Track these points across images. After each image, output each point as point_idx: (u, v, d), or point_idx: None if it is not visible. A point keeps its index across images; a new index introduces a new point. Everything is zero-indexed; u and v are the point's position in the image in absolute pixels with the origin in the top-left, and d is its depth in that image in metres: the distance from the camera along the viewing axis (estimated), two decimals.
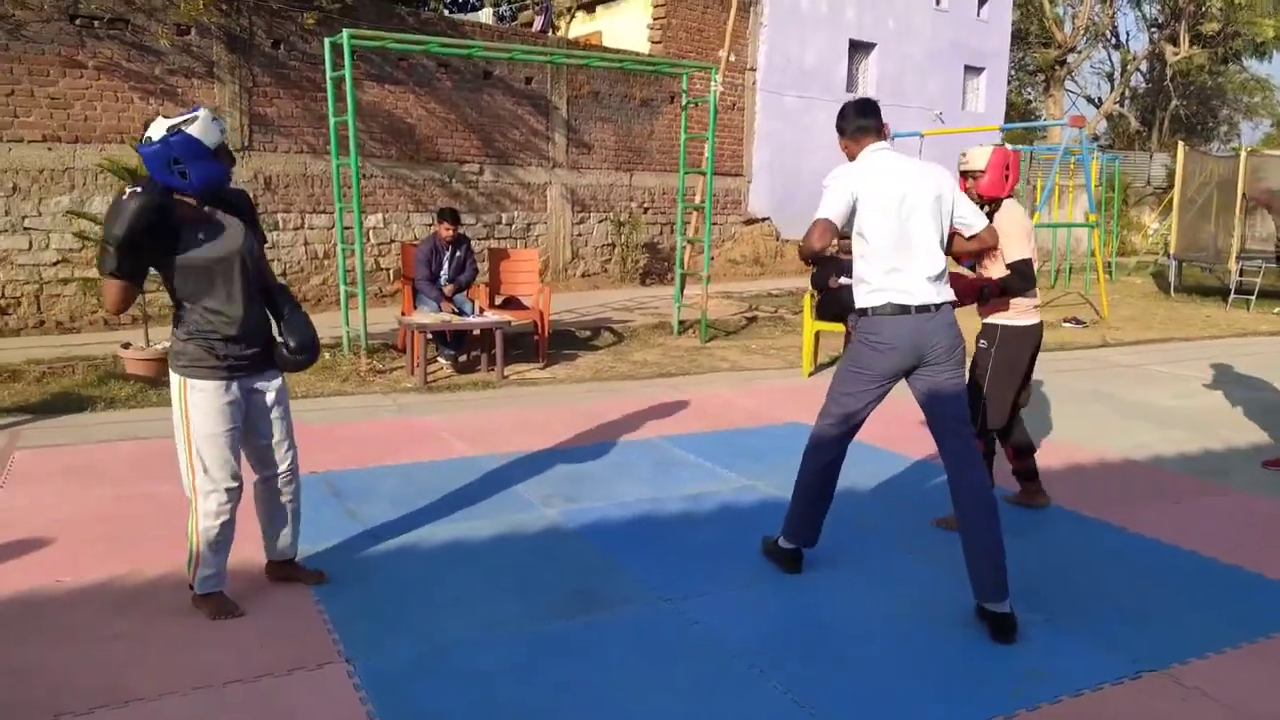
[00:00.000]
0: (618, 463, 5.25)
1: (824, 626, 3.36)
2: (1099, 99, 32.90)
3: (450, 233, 7.79)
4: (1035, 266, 4.19)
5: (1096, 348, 10.02)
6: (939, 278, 3.36)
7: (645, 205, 14.04)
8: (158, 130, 3.05)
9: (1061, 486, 4.96)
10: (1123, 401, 7.20)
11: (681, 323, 9.81)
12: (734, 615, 3.38)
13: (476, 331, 7.83)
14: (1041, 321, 4.28)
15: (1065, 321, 11.44)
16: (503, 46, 10.16)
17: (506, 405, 6.74)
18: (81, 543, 3.89)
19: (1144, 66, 31.74)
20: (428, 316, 7.43)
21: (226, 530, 3.25)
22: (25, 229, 8.75)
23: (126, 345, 7.02)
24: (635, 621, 3.31)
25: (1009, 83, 28.28)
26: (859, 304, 3.43)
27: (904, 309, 3.31)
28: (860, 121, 3.50)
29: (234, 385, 3.22)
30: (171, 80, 9.51)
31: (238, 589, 3.42)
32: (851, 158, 3.50)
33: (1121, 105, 31.64)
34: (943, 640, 3.23)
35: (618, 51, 13.61)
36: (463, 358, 7.95)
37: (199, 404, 3.15)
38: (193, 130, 3.04)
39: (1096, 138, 30.50)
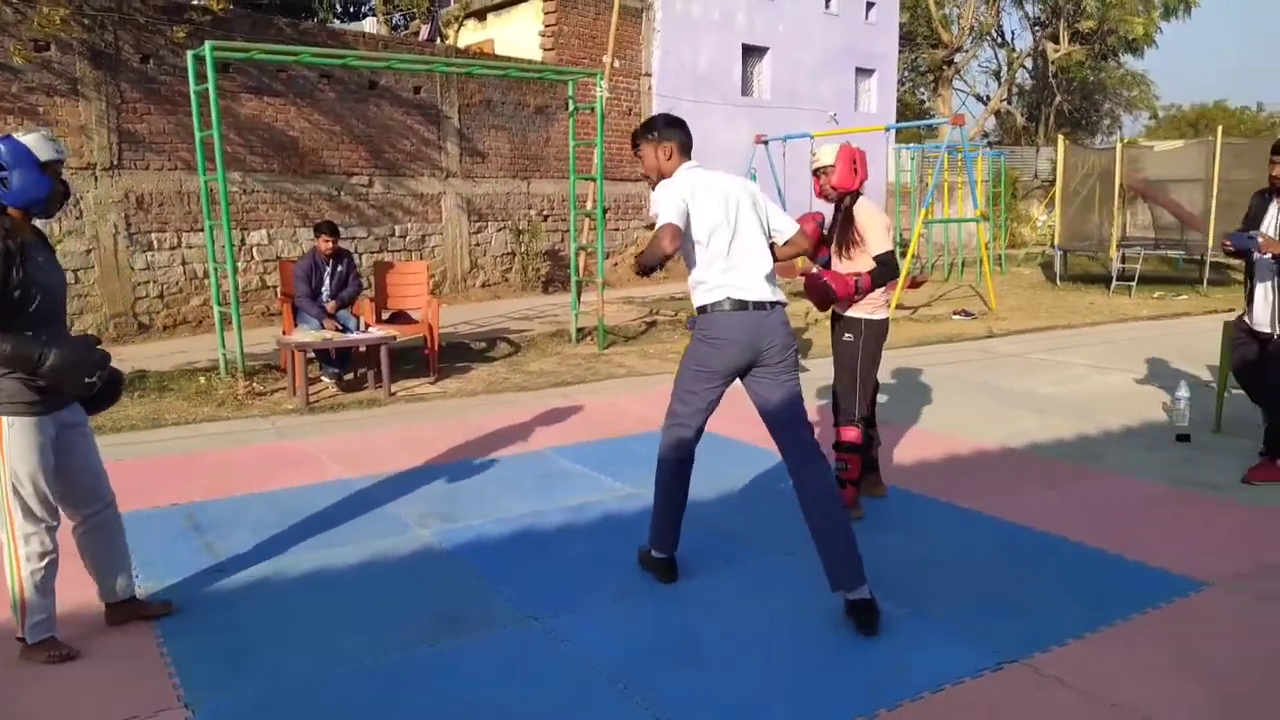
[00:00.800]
0: (501, 477, 5.12)
1: (692, 636, 3.30)
2: (987, 96, 34.01)
3: (330, 246, 7.55)
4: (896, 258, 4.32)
5: (984, 338, 10.27)
6: (770, 277, 3.47)
7: (545, 213, 13.92)
8: None
9: (938, 477, 5.02)
10: (1007, 391, 7.36)
11: (580, 330, 9.72)
12: (602, 631, 3.29)
13: (362, 348, 7.60)
14: (889, 317, 4.47)
15: (955, 314, 11.71)
16: (381, 56, 9.93)
17: (391, 423, 6.54)
18: None
19: (1028, 64, 32.93)
20: (308, 335, 7.18)
21: (52, 570, 3.07)
22: None
23: None
24: (502, 644, 3.19)
25: (901, 83, 29.07)
26: (698, 302, 3.47)
27: (742, 305, 3.38)
28: (679, 136, 3.55)
29: (49, 420, 3.01)
30: (31, 99, 9.03)
31: (73, 633, 3.19)
32: (659, 172, 3.54)
33: (1009, 102, 32.76)
34: (809, 641, 3.20)
35: (505, 59, 13.46)
36: (348, 376, 7.71)
37: (18, 442, 2.95)
38: (24, 138, 2.92)
39: (986, 134, 31.54)
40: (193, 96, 7.50)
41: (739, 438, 5.63)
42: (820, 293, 4.20)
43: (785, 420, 3.43)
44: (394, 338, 7.52)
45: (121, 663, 3.07)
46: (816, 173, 4.40)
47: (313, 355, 7.36)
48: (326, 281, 7.65)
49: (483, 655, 3.11)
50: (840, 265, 4.34)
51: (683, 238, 3.35)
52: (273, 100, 10.80)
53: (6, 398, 2.92)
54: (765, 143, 13.70)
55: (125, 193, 9.67)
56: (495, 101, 13.15)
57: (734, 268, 3.38)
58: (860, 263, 4.26)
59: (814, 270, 4.31)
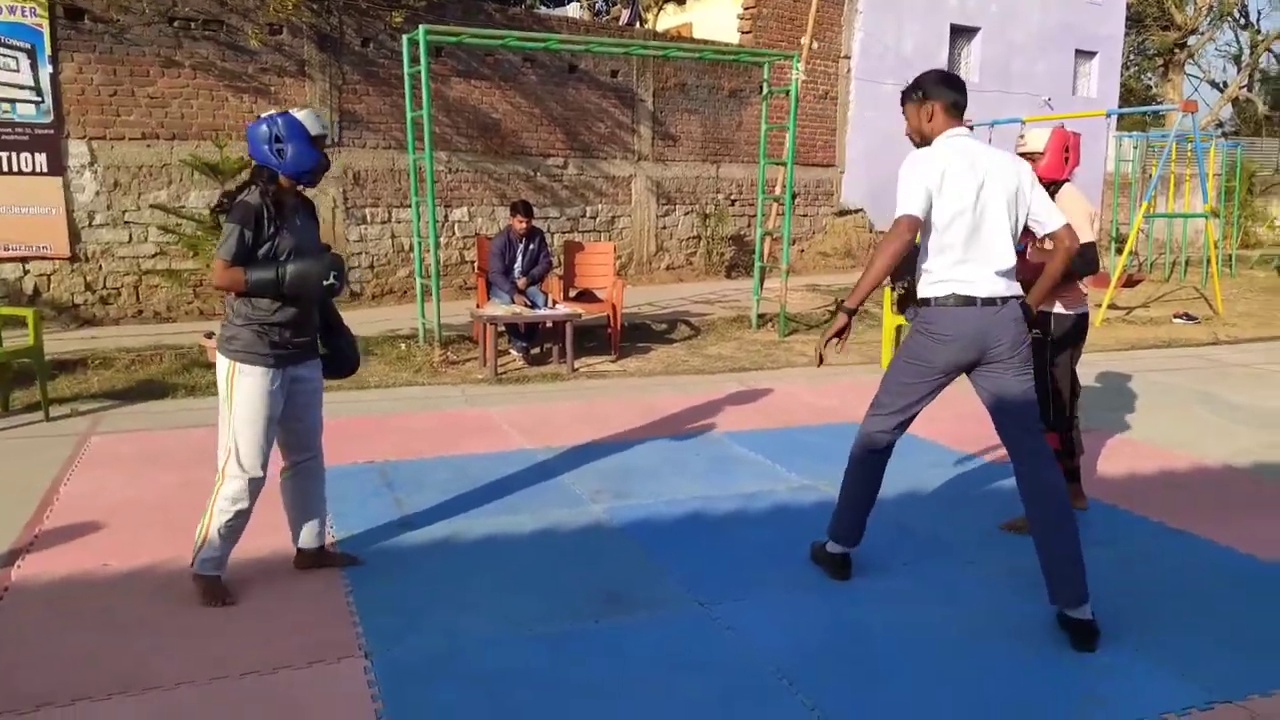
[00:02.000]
0: (674, 458, 5.11)
1: (865, 638, 3.16)
2: (1224, 83, 30.98)
3: (524, 225, 7.78)
4: (1098, 251, 3.96)
5: (1207, 345, 9.37)
6: (1008, 272, 3.17)
7: (732, 197, 13.83)
8: (267, 113, 3.25)
9: (1145, 493, 4.60)
10: (1231, 404, 6.67)
11: (761, 316, 9.60)
12: (770, 622, 3.21)
13: (549, 324, 7.80)
14: (1088, 311, 4.12)
15: (1175, 317, 10.74)
16: (581, 39, 10.10)
17: (572, 398, 6.68)
18: (135, 528, 3.98)
19: (1275, 47, 29.72)
20: (499, 309, 7.44)
21: (241, 519, 3.30)
22: (125, 223, 9.13)
23: (210, 335, 7.23)
24: (665, 626, 3.18)
25: (1125, 68, 26.90)
26: (921, 294, 3.25)
27: (969, 300, 3.13)
28: (946, 95, 3.22)
29: (280, 374, 3.27)
30: (264, 79, 9.79)
31: (268, 574, 3.44)
32: (922, 135, 3.27)
33: (1249, 89, 29.71)
34: (993, 658, 3.00)
35: (702, 42, 13.42)
36: (534, 350, 7.94)
37: (245, 389, 3.22)
38: (298, 114, 3.23)
39: (1220, 124, 28.74)
40: (406, 78, 7.89)
41: (934, 438, 5.39)
42: None
43: (1014, 419, 3.20)
44: (579, 315, 7.67)
45: (310, 608, 3.27)
46: (1022, 158, 4.05)
47: (503, 329, 7.62)
48: (519, 259, 7.90)
49: (647, 635, 3.11)
50: (1036, 257, 4.02)
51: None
52: (479, 83, 11.24)
53: (242, 346, 3.22)
54: (971, 128, 13.00)
55: (344, 169, 10.34)
56: (690, 85, 13.15)
57: (966, 261, 3.12)
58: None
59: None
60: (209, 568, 3.30)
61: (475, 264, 10.68)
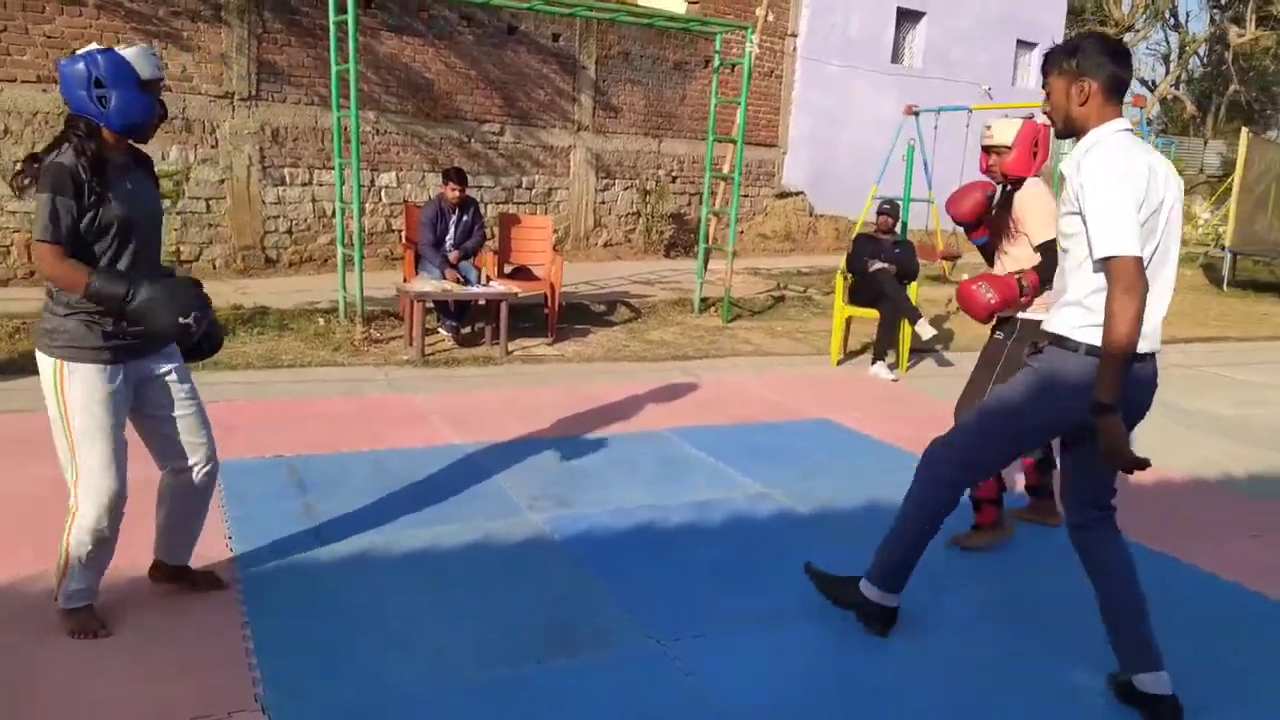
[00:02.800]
0: (620, 459, 4.71)
1: (855, 690, 2.80)
2: (1153, 81, 31.62)
3: (457, 194, 7.24)
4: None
5: None
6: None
7: (673, 174, 13.41)
8: (86, 49, 2.60)
9: (1123, 510, 4.35)
10: (1183, 409, 6.54)
11: (704, 300, 9.22)
12: (736, 667, 2.83)
13: (481, 302, 7.30)
14: None
15: None
16: None
17: (506, 384, 6.21)
18: (2, 534, 3.42)
19: (1203, 49, 30.42)
20: (428, 284, 6.90)
21: (105, 547, 2.77)
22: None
23: None
24: (616, 669, 2.78)
25: None
26: (1063, 328, 2.56)
27: (1140, 357, 2.45)
28: (1110, 71, 2.49)
29: (120, 369, 2.69)
30: (176, 23, 8.99)
31: (152, 595, 2.94)
32: (1068, 119, 2.55)
33: (1177, 88, 30.39)
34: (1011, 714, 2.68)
35: (651, 10, 12.90)
36: (465, 329, 7.43)
37: (77, 394, 2.63)
38: (125, 52, 2.59)
39: (1149, 121, 29.33)
40: (332, 27, 7.25)
41: (894, 441, 5.08)
42: (978, 304, 3.42)
43: (1101, 481, 2.75)
44: (515, 294, 7.18)
45: (202, 641, 2.79)
46: (988, 150, 3.69)
47: (431, 305, 7.10)
48: (451, 230, 7.36)
49: (596, 681, 2.70)
50: (998, 259, 3.70)
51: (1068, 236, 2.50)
52: (411, 40, 10.57)
53: (67, 340, 2.61)
54: (916, 114, 12.80)
55: (261, 125, 9.60)
56: (634, 54, 12.65)
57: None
58: (1017, 255, 3.59)
59: (965, 275, 3.65)
60: (77, 600, 2.77)
61: (403, 233, 10.09)
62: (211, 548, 3.33)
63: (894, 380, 6.85)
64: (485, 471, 4.40)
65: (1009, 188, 3.67)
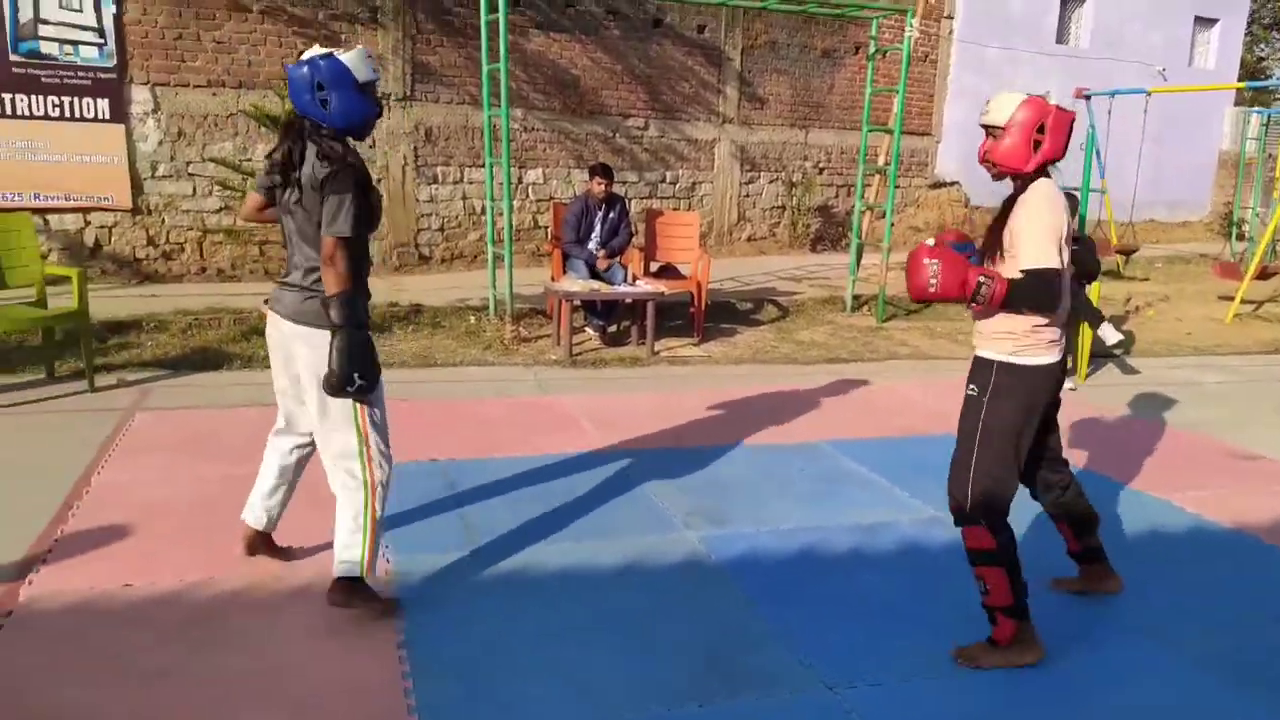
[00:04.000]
0: (774, 472, 4.47)
1: None
2: None
3: (603, 189, 7.14)
4: (1065, 282, 2.77)
5: None
6: None
7: (821, 165, 12.99)
8: (309, 55, 2.75)
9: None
10: None
11: (856, 298, 8.85)
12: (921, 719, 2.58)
13: (628, 301, 7.18)
14: (1063, 359, 2.87)
15: None
16: None
17: (653, 386, 6.07)
18: (167, 536, 3.49)
19: None
20: (575, 284, 6.83)
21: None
22: (189, 175, 8.72)
23: (267, 301, 6.76)
24: (784, 716, 2.56)
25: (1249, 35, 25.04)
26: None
27: None
28: None
29: None
30: (334, 25, 9.26)
31: (310, 613, 2.91)
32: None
33: None
34: None
35: None
36: (611, 328, 7.34)
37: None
38: (343, 56, 2.72)
39: None
40: (483, 26, 7.26)
41: None
42: (916, 282, 2.72)
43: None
44: (662, 293, 7.03)
45: (362, 660, 2.73)
46: (986, 131, 2.82)
47: (577, 304, 7.04)
48: (597, 228, 7.28)
49: None
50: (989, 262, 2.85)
51: None
52: (558, 36, 10.57)
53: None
54: (1087, 98, 11.95)
55: (415, 124, 9.80)
56: (780, 43, 12.30)
57: None
58: (1007, 267, 2.75)
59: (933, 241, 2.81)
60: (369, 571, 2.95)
61: (550, 230, 10.13)
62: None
63: (1072, 390, 6.29)
64: (636, 481, 4.25)
65: (1015, 185, 2.82)
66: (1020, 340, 2.75)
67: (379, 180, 9.64)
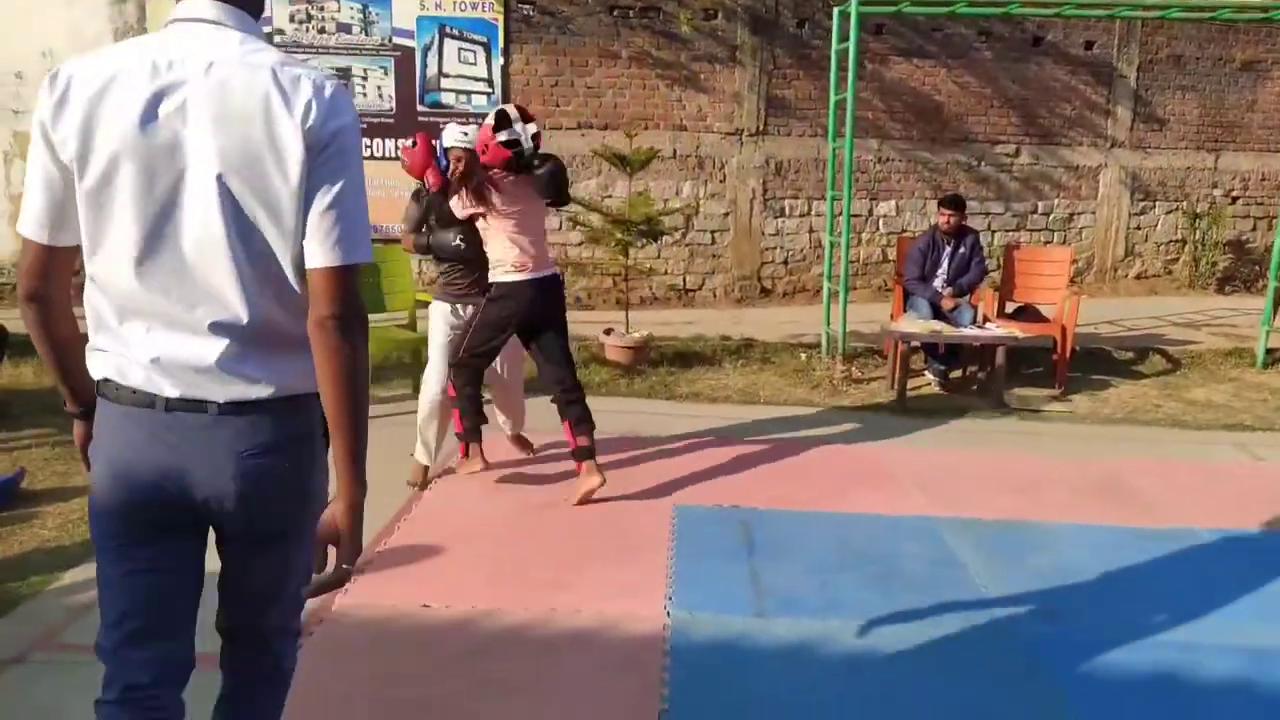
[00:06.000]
0: (1136, 562, 3.71)
1: None
2: None
3: (950, 223, 6.55)
4: None
5: None
6: None
7: (1234, 194, 11.11)
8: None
9: None
10: None
11: (1269, 351, 7.35)
12: None
13: (975, 345, 6.51)
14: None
15: None
16: (1051, 2, 8.45)
17: (997, 444, 5.39)
18: (470, 562, 3.61)
19: None
20: (915, 324, 6.31)
21: None
22: (556, 211, 9.35)
23: (608, 331, 7.02)
24: None
25: None
26: None
27: None
28: None
29: None
30: (694, 67, 9.50)
31: (586, 644, 2.82)
32: None
33: None
34: None
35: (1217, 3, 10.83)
36: (954, 374, 6.69)
37: None
38: None
39: None
40: (833, 55, 7.03)
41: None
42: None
43: None
44: (1015, 337, 6.28)
45: (616, 714, 2.58)
46: None
47: (916, 347, 6.50)
48: (944, 264, 6.70)
49: None
50: None
51: None
52: (922, 63, 10.03)
53: None
54: None
55: (766, 158, 9.77)
56: (1187, 57, 10.71)
57: None
58: None
59: None
60: None
61: (895, 265, 9.60)
62: (647, 598, 3.18)
63: None
64: (958, 556, 3.73)
65: None
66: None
67: (726, 214, 9.73)
